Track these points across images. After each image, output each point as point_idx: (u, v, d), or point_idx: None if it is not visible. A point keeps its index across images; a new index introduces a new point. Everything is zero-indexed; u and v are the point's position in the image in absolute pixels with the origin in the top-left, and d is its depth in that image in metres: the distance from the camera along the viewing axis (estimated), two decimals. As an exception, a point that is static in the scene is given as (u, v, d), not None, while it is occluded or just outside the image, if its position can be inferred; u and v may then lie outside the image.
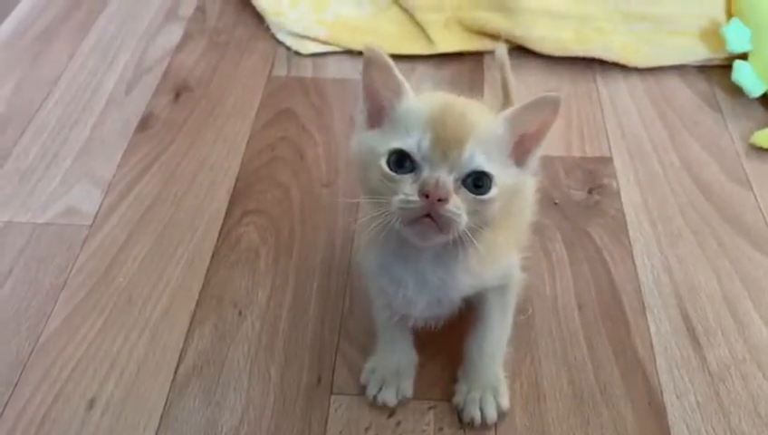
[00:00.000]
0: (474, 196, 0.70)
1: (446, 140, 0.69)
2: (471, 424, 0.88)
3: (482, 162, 0.70)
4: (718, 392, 0.92)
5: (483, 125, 0.71)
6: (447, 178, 0.69)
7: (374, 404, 0.90)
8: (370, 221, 0.74)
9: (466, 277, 0.80)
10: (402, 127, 0.71)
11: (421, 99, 0.74)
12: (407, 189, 0.69)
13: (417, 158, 0.70)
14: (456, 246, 0.73)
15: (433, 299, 0.82)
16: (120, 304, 1.03)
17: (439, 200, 0.68)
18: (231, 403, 0.92)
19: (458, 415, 0.89)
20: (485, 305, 0.87)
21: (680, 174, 1.21)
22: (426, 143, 0.69)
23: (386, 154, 0.71)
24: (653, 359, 0.96)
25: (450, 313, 0.88)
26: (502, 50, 1.16)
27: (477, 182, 0.70)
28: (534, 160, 0.76)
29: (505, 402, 0.89)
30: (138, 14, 1.56)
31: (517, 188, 0.75)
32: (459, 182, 0.70)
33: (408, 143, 0.70)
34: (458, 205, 0.69)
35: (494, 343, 0.89)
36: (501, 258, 0.83)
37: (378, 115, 0.75)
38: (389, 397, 0.90)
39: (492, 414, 0.88)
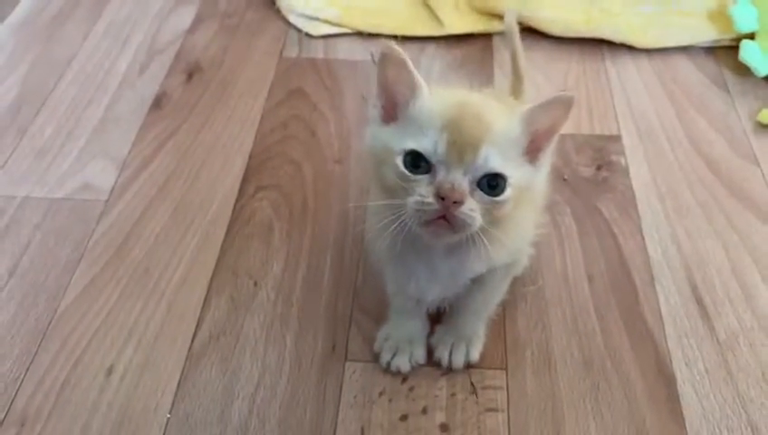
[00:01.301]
0: (489, 197, 0.71)
1: (462, 142, 0.69)
2: (439, 364, 0.92)
3: (496, 164, 0.70)
4: (726, 360, 0.94)
5: (498, 126, 0.71)
6: (463, 181, 0.69)
7: (388, 371, 0.92)
8: (381, 213, 0.75)
9: (477, 265, 0.82)
10: (417, 126, 0.71)
11: (437, 97, 0.74)
12: (422, 191, 0.70)
13: (433, 159, 0.70)
14: (468, 240, 0.74)
15: (445, 286, 0.84)
16: (137, 276, 1.04)
17: (454, 203, 0.68)
18: (247, 371, 0.93)
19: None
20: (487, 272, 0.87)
21: (688, 151, 1.22)
22: (441, 145, 0.69)
23: (401, 154, 0.71)
24: (662, 328, 0.97)
25: (460, 293, 0.89)
26: (511, 16, 1.13)
27: (492, 184, 0.71)
28: (546, 158, 0.76)
29: (475, 355, 0.92)
30: (149, -4, 1.58)
31: (529, 184, 0.75)
32: (474, 184, 0.70)
33: (423, 144, 0.70)
34: (473, 207, 0.70)
35: (482, 301, 0.90)
36: (511, 243, 0.83)
37: (392, 110, 0.75)
38: (403, 363, 0.92)
39: (458, 361, 0.92)
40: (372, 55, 1.39)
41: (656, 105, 1.31)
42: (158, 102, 1.32)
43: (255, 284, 1.03)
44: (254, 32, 1.48)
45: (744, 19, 1.35)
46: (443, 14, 1.45)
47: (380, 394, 0.91)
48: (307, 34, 1.46)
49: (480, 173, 0.70)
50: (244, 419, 0.89)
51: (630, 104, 1.31)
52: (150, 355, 0.95)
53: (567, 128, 1.23)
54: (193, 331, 0.98)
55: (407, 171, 0.70)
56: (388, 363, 0.92)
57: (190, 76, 1.38)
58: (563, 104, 0.72)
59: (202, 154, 1.22)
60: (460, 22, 1.45)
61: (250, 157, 1.21)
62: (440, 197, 0.68)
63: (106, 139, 1.25)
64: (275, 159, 1.21)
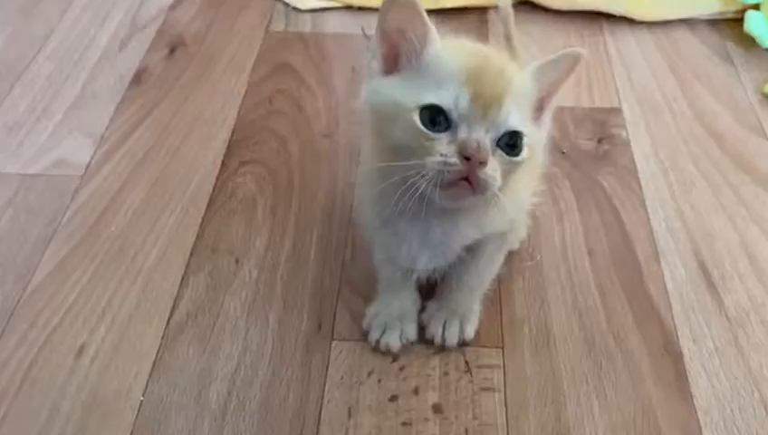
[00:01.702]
0: (508, 157, 0.66)
1: (486, 96, 0.64)
2: (432, 341, 0.87)
3: (517, 121, 0.65)
4: (737, 337, 0.88)
5: (518, 80, 0.66)
6: (486, 139, 0.64)
7: (377, 349, 0.87)
8: (382, 175, 0.70)
9: (471, 230, 0.77)
10: (433, 78, 0.65)
11: (451, 47, 0.68)
12: (443, 150, 0.63)
13: (454, 115, 0.64)
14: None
15: (437, 252, 0.78)
16: (112, 253, 0.99)
17: (480, 163, 0.63)
18: (227, 350, 0.88)
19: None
20: (480, 241, 0.82)
21: (692, 124, 1.16)
22: (464, 100, 0.63)
23: (417, 109, 0.64)
24: (668, 305, 0.92)
25: (452, 262, 0.83)
26: (506, 4, 1.12)
27: (510, 142, 0.66)
28: (548, 117, 0.72)
29: (470, 332, 0.87)
30: (132, -29, 1.52)
31: (534, 143, 0.70)
32: (494, 143, 0.65)
33: (443, 98, 0.64)
34: (496, 167, 0.64)
35: (476, 277, 0.85)
36: (507, 209, 0.78)
37: (395, 61, 0.68)
38: (393, 341, 0.86)
39: (452, 338, 0.86)
40: (363, 29, 1.34)
41: (657, 78, 1.25)
42: (138, 78, 1.26)
43: (237, 261, 0.97)
44: (240, 6, 1.42)
45: (749, -11, 1.29)
46: (436, -13, 1.39)
47: (369, 374, 0.85)
48: (294, 8, 1.41)
49: (502, 130, 0.65)
50: (223, 400, 0.83)
51: (631, 77, 1.26)
52: (124, 335, 0.89)
53: (566, 101, 1.20)
54: (170, 310, 0.92)
55: (425, 128, 0.64)
56: (378, 341, 0.86)
57: (172, 51, 1.32)
58: (572, 60, 0.68)
59: (183, 129, 1.16)
60: (455, -5, 1.39)
61: (233, 132, 1.16)
62: (465, 157, 0.63)
63: (83, 114, 1.19)
64: (260, 133, 1.15)
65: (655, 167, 1.10)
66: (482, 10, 1.40)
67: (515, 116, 0.65)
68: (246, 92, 1.23)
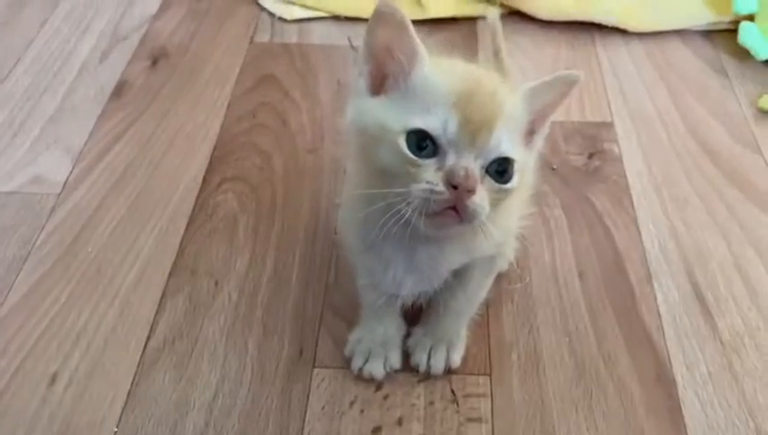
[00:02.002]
0: (498, 185, 0.63)
1: (476, 122, 0.61)
2: (417, 370, 0.84)
3: (508, 148, 0.62)
4: (731, 363, 0.86)
5: (509, 104, 0.63)
6: (475, 167, 0.61)
7: (360, 377, 0.84)
8: (367, 199, 0.66)
9: (458, 255, 0.74)
10: (420, 101, 0.62)
11: (440, 68, 0.64)
12: (430, 177, 0.61)
13: (442, 141, 0.61)
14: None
15: (422, 277, 0.76)
16: (89, 274, 0.95)
17: (468, 192, 0.60)
18: (204, 378, 0.85)
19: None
20: (468, 266, 0.79)
21: (685, 138, 1.14)
22: (453, 124, 0.60)
23: (403, 134, 0.61)
24: (661, 328, 0.89)
25: (438, 287, 0.80)
26: (494, 15, 1.10)
27: (500, 170, 0.63)
28: (540, 140, 0.70)
29: (456, 359, 0.84)
30: (115, -20, 1.49)
31: (525, 168, 0.67)
32: (483, 170, 0.62)
33: (431, 123, 0.61)
34: (484, 196, 0.62)
35: (463, 302, 0.82)
36: (496, 234, 0.76)
37: (382, 79, 0.65)
38: (377, 369, 0.83)
39: (438, 366, 0.84)
40: (350, 39, 1.31)
41: (650, 91, 1.23)
42: (119, 90, 1.23)
43: (216, 283, 0.94)
44: (225, 16, 1.39)
45: (744, 0, 1.27)
46: (424, -3, 1.36)
47: (351, 404, 0.82)
48: (280, 18, 1.38)
49: (491, 157, 0.62)
50: (200, 431, 0.80)
51: (623, 90, 1.23)
52: (99, 362, 0.86)
53: (556, 115, 1.16)
54: (146, 335, 0.89)
55: (411, 154, 0.61)
56: (361, 369, 0.83)
57: (155, 63, 1.29)
58: (568, 83, 0.65)
59: (163, 144, 1.13)
60: (443, 5, 1.36)
61: (215, 147, 1.12)
62: (452, 185, 0.60)
63: (62, 129, 1.16)
64: (243, 149, 1.12)
65: (647, 183, 1.07)
66: (471, 20, 1.37)
67: (506, 142, 0.62)
68: (230, 105, 1.20)
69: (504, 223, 0.74)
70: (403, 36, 0.63)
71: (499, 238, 0.74)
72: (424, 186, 0.60)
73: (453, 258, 0.74)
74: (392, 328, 0.86)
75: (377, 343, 0.84)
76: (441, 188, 0.60)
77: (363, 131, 0.65)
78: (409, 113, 0.62)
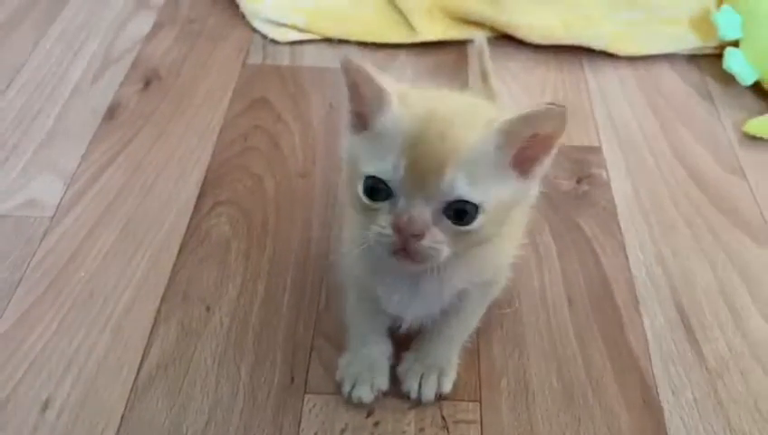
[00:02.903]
0: (456, 227, 0.63)
1: (423, 166, 0.62)
2: (408, 396, 0.85)
3: (465, 190, 0.62)
4: (716, 389, 0.87)
5: (469, 142, 0.63)
6: (424, 210, 0.62)
7: (350, 402, 0.84)
8: (358, 232, 0.69)
9: (460, 279, 0.76)
10: (380, 144, 0.64)
11: (407, 106, 0.65)
12: (381, 221, 0.63)
13: (393, 185, 0.63)
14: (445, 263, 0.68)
15: (425, 302, 0.78)
16: (81, 300, 0.96)
17: (414, 235, 0.62)
18: (197, 404, 0.85)
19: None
20: (464, 293, 0.80)
21: (672, 164, 1.16)
22: (400, 170, 0.62)
23: (362, 178, 0.64)
24: (647, 354, 0.91)
25: (441, 310, 0.82)
26: (481, 39, 1.12)
27: (459, 213, 0.63)
28: (541, 170, 0.68)
29: (447, 386, 0.85)
30: (107, 2, 1.49)
31: (518, 198, 0.68)
32: (440, 212, 0.63)
33: (381, 169, 0.63)
34: (437, 238, 0.63)
35: (456, 328, 0.84)
36: (493, 262, 0.78)
37: (363, 119, 0.67)
38: (365, 393, 0.84)
39: (429, 393, 0.84)
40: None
41: (638, 115, 1.25)
42: (111, 113, 1.24)
43: (208, 308, 0.95)
44: (217, 38, 1.40)
45: (728, 26, 1.29)
46: (415, 20, 1.38)
47: (342, 431, 0.83)
48: (273, 41, 1.39)
49: (445, 200, 0.62)
50: (192, 459, 0.80)
51: (611, 115, 1.25)
52: (91, 388, 0.87)
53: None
54: (139, 360, 0.89)
55: (365, 198, 0.64)
56: (350, 394, 0.84)
57: (147, 85, 1.30)
58: (555, 117, 0.62)
59: (156, 168, 1.14)
60: (433, 28, 1.38)
61: (207, 170, 1.13)
62: (397, 229, 0.62)
63: (54, 151, 1.17)
64: (235, 172, 1.13)
65: (635, 208, 1.08)
66: (460, 44, 1.38)
67: (462, 184, 0.62)
68: (222, 128, 1.21)
69: (502, 250, 0.76)
70: (367, 81, 0.64)
71: (502, 260, 0.78)
72: (377, 228, 0.63)
73: (454, 282, 0.75)
74: (377, 351, 0.86)
75: (364, 366, 0.85)
76: (388, 231, 0.62)
77: (348, 169, 0.69)
78: (370, 157, 0.64)
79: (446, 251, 0.63)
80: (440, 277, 0.73)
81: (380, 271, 0.76)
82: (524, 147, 0.65)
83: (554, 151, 0.66)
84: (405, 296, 0.76)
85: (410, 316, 0.80)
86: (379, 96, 0.64)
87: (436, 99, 0.69)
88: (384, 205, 0.64)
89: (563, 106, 0.62)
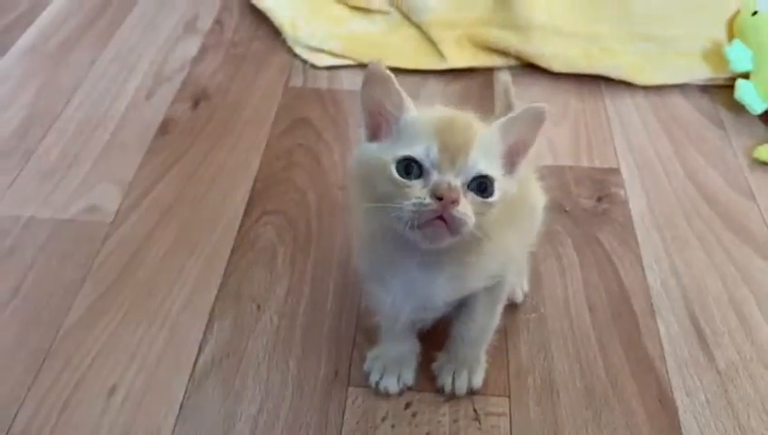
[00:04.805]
0: (480, 198, 0.73)
1: (453, 146, 0.72)
2: (442, 390, 0.93)
3: (485, 167, 0.73)
4: (727, 391, 0.95)
5: (482, 134, 0.75)
6: (456, 183, 0.72)
7: (377, 391, 0.93)
8: (367, 222, 0.79)
9: (450, 287, 0.82)
10: (407, 137, 0.74)
11: (423, 111, 0.77)
12: (418, 193, 0.71)
13: (426, 164, 0.72)
14: (442, 256, 0.77)
15: (418, 305, 0.85)
16: (141, 298, 1.05)
17: (452, 202, 0.70)
18: (250, 394, 0.93)
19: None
20: (471, 297, 0.88)
21: (686, 185, 1.24)
22: (434, 150, 0.72)
23: (394, 162, 0.73)
24: (663, 358, 0.98)
25: (435, 317, 0.90)
26: (506, 76, 1.22)
27: (481, 186, 0.73)
28: (522, 169, 0.79)
29: (477, 381, 0.93)
30: (157, 25, 1.60)
31: (508, 194, 0.77)
32: (465, 187, 0.73)
33: (415, 151, 0.72)
34: (468, 207, 0.72)
35: (477, 331, 0.91)
36: (488, 266, 0.84)
37: (377, 129, 0.77)
38: (391, 384, 0.93)
39: (461, 387, 0.93)
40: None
41: (653, 140, 1.33)
42: (164, 128, 1.34)
43: (259, 307, 1.03)
44: (260, 61, 1.51)
45: (739, 59, 1.38)
46: (445, 48, 1.48)
47: (383, 419, 0.91)
48: (312, 65, 1.49)
49: (471, 175, 0.72)
50: (247, 441, 0.89)
51: (629, 139, 1.34)
52: (153, 377, 0.95)
53: (567, 160, 1.28)
54: (195, 353, 0.98)
55: (399, 177, 0.72)
56: (377, 384, 0.93)
57: (196, 103, 1.40)
58: (536, 115, 0.75)
59: (207, 180, 1.23)
60: (461, 56, 1.48)
61: (255, 183, 1.23)
62: (438, 197, 0.70)
63: (112, 162, 1.27)
64: (280, 185, 1.22)
65: (650, 225, 1.17)
66: (488, 70, 1.48)
67: (482, 162, 0.73)
68: (267, 145, 1.30)
69: (497, 255, 0.82)
70: (391, 90, 0.75)
71: (497, 268, 0.84)
72: (414, 201, 0.71)
73: (446, 288, 0.82)
74: (406, 347, 0.95)
75: (391, 360, 0.94)
76: (429, 200, 0.70)
77: (363, 167, 0.77)
78: (398, 147, 0.74)
79: (473, 220, 0.71)
80: (432, 281, 0.81)
81: (378, 272, 0.84)
82: (512, 146, 0.76)
83: (531, 151, 0.77)
84: (399, 298, 0.84)
85: (404, 318, 0.87)
86: (401, 101, 0.76)
87: (444, 109, 0.80)
88: (416, 182, 0.72)
89: (543, 105, 0.75)
